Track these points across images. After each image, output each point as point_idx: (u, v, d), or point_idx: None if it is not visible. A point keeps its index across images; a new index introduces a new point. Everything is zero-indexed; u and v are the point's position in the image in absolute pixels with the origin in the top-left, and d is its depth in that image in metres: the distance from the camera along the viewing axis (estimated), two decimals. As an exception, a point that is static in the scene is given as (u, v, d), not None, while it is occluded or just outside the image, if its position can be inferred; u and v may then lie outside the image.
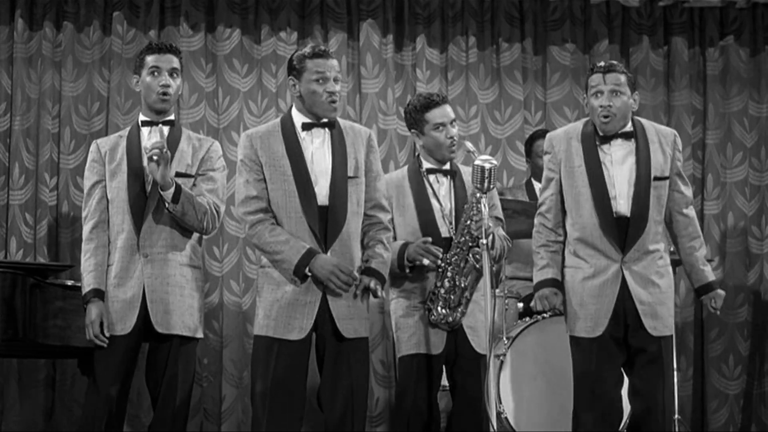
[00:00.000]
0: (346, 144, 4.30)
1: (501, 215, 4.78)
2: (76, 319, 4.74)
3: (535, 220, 4.60)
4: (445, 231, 4.62)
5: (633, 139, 4.48)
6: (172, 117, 4.57)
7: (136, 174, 4.44)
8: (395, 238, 4.59)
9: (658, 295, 4.42)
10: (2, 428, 6.01)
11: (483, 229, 4.31)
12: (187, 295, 4.44)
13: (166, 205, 4.36)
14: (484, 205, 4.35)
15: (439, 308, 4.54)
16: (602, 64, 4.51)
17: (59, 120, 6.30)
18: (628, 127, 4.50)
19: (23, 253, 6.13)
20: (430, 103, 4.68)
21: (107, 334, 4.37)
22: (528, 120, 6.66)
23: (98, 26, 6.36)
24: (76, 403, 6.02)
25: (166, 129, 4.49)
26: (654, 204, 4.45)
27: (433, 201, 4.66)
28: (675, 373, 5.52)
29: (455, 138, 4.68)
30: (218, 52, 6.45)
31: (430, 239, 4.53)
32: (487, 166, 4.33)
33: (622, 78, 4.45)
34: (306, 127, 4.29)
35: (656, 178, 4.45)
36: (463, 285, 4.54)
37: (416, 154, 4.82)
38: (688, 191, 4.58)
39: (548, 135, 4.67)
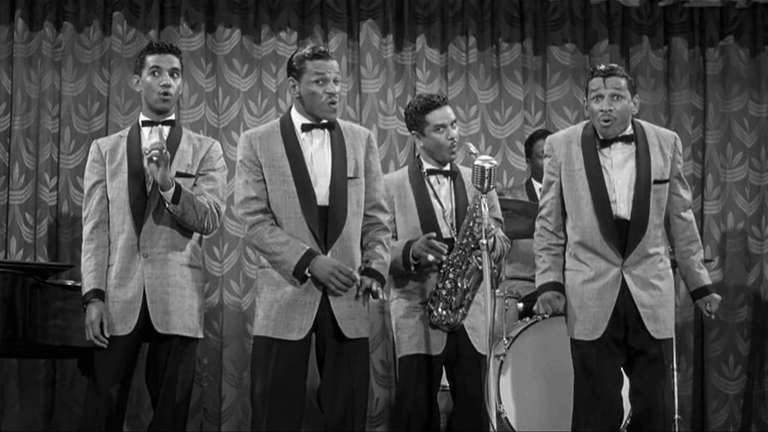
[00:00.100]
0: (346, 145, 4.30)
1: (500, 216, 4.78)
2: (76, 319, 4.74)
3: (536, 224, 4.59)
4: (446, 232, 4.61)
5: (633, 143, 4.47)
6: (172, 117, 4.57)
7: (136, 174, 4.44)
8: (396, 238, 4.60)
9: (659, 298, 4.42)
10: (2, 428, 6.00)
11: (483, 230, 4.31)
12: (187, 296, 4.44)
13: (167, 205, 4.36)
14: (484, 206, 4.35)
15: (439, 309, 4.54)
16: (603, 67, 4.50)
17: (59, 120, 6.30)
18: (628, 131, 4.49)
19: (23, 253, 6.13)
20: (431, 104, 4.68)
21: (107, 335, 4.37)
22: (528, 120, 6.65)
23: (98, 26, 6.36)
24: (76, 403, 6.02)
25: (165, 129, 4.49)
26: (654, 207, 4.44)
27: (434, 202, 4.66)
28: (675, 373, 5.53)
29: (456, 139, 4.68)
30: (218, 52, 6.45)
31: (434, 234, 4.52)
32: (487, 166, 4.32)
33: (623, 82, 4.45)
34: (305, 128, 4.28)
35: (656, 182, 4.44)
36: (464, 287, 4.54)
37: (416, 154, 4.82)
38: (687, 194, 4.57)
39: (548, 138, 4.66)
